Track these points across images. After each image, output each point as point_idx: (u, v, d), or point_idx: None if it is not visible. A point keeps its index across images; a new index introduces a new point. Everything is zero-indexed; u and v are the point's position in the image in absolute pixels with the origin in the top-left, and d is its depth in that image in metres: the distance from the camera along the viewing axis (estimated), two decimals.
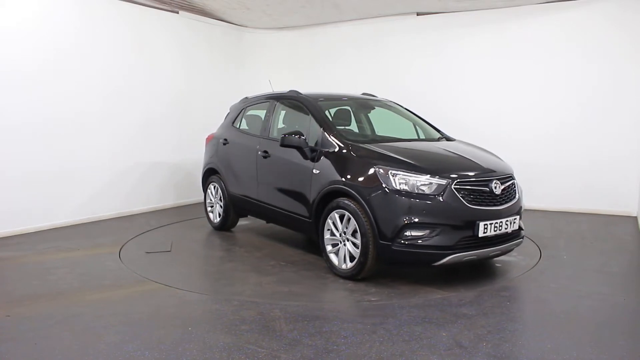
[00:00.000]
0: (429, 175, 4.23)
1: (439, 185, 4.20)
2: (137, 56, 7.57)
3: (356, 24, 8.92)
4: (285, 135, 5.07)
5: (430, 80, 8.41)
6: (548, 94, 7.64)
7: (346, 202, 4.47)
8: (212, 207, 6.69)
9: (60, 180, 6.59)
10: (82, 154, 6.83)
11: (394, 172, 4.26)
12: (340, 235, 4.57)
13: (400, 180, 4.23)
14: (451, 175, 4.26)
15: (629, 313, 3.83)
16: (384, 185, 4.24)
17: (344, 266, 4.54)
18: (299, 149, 5.06)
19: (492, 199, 4.36)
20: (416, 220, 4.12)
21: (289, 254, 5.46)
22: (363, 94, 6.24)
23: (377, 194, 4.27)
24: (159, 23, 7.89)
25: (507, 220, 4.38)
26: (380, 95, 6.32)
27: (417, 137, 5.51)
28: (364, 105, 5.91)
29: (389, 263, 4.55)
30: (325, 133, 4.91)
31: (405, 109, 5.96)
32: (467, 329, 3.47)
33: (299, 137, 4.99)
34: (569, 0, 7.40)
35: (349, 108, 5.78)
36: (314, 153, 4.91)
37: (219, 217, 6.52)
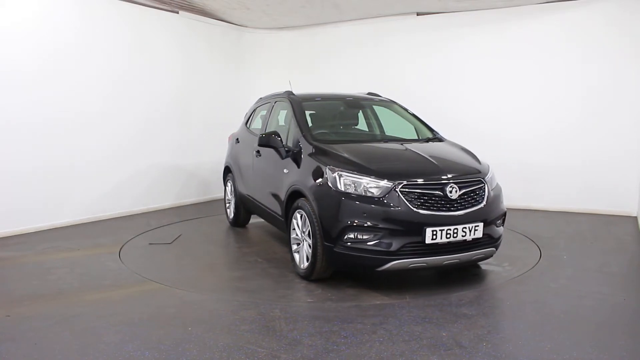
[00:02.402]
0: (374, 178, 4.11)
1: (385, 188, 4.06)
2: (137, 56, 7.57)
3: (356, 24, 8.92)
4: (262, 135, 5.16)
5: (430, 80, 8.40)
6: (548, 94, 7.64)
7: (303, 202, 4.47)
8: (229, 203, 6.91)
9: (60, 180, 6.59)
10: (82, 154, 6.83)
11: (341, 173, 4.21)
12: (302, 234, 4.59)
13: (347, 181, 4.16)
14: (398, 178, 4.09)
15: (629, 313, 3.83)
16: (330, 186, 4.21)
17: (302, 266, 4.55)
18: (275, 148, 5.15)
19: (446, 203, 4.09)
20: (357, 222, 4.01)
21: (276, 251, 5.53)
22: (368, 93, 6.20)
23: (324, 194, 4.23)
24: (159, 23, 7.88)
25: (464, 227, 4.07)
26: (381, 95, 6.30)
27: (401, 138, 5.40)
28: (354, 104, 5.87)
29: (336, 265, 4.39)
30: (299, 133, 4.96)
31: (403, 107, 5.86)
32: (467, 329, 3.47)
33: (274, 137, 5.06)
34: (569, 0, 7.40)
35: (342, 108, 5.82)
36: (288, 153, 4.96)
37: (233, 213, 6.74)
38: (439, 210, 4.07)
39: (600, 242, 5.87)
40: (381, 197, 4.05)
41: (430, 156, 4.53)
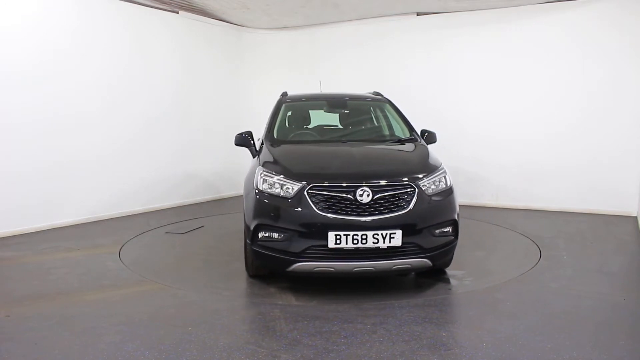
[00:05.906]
0: (288, 179, 4.10)
1: (297, 189, 4.03)
2: (137, 56, 7.57)
3: (356, 24, 8.92)
4: (238, 134, 5.20)
5: (430, 80, 8.41)
6: (548, 94, 7.64)
7: None
8: None
9: (60, 180, 6.59)
10: (82, 154, 6.83)
11: (263, 173, 4.26)
12: None
13: (269, 181, 4.19)
14: (308, 180, 4.03)
15: (629, 313, 3.83)
16: (254, 185, 4.29)
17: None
18: (248, 148, 5.20)
19: (356, 208, 3.93)
20: (266, 222, 4.06)
21: None
22: (374, 93, 6.16)
23: (249, 193, 4.34)
24: (159, 23, 7.88)
25: (375, 234, 3.86)
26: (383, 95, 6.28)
27: (369, 138, 5.33)
28: (340, 105, 5.84)
29: (259, 264, 4.40)
30: (265, 133, 5.05)
31: (394, 107, 5.63)
32: (467, 329, 3.47)
33: (244, 137, 5.08)
34: (569, 0, 7.40)
35: (324, 109, 5.84)
36: (257, 152, 5.00)
37: None
38: (347, 214, 3.93)
39: (600, 242, 5.87)
40: (289, 198, 4.05)
41: (365, 159, 4.51)
